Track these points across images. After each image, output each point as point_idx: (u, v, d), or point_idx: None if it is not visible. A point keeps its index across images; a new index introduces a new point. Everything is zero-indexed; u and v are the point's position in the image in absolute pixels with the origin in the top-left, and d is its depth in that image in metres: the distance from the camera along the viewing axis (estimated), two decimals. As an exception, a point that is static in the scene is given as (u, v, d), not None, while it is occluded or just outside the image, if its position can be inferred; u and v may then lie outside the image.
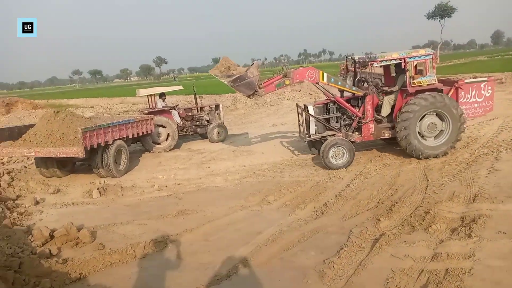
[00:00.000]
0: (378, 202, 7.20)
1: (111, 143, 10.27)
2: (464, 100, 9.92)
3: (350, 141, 9.85)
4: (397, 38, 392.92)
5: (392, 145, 11.36)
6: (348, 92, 10.07)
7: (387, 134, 10.04)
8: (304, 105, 10.38)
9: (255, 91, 9.51)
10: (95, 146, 9.66)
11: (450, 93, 9.79)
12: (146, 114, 13.23)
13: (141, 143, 13.43)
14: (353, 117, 10.09)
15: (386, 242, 5.55)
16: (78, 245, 6.12)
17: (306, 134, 10.13)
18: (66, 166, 11.02)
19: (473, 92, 9.92)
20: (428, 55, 9.57)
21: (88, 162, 10.53)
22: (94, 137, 9.58)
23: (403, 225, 6.14)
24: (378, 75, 25.42)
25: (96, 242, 6.23)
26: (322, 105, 10.28)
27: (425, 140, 9.66)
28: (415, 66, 9.64)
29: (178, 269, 5.39)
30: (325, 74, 9.61)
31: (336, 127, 10.12)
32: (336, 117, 10.22)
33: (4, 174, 10.22)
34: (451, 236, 5.57)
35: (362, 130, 9.98)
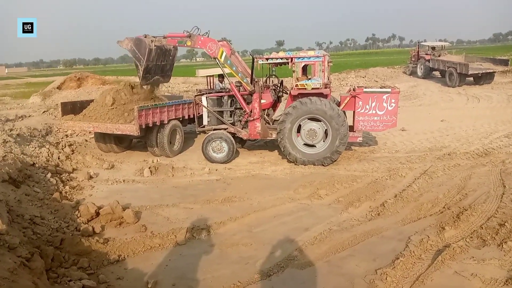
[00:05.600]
0: (444, 207, 6.44)
1: (166, 122, 10.27)
2: (362, 110, 9.07)
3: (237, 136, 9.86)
4: (476, 24, 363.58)
5: (464, 144, 10.31)
6: (241, 82, 9.65)
7: (274, 136, 9.56)
8: (198, 94, 10.47)
9: (151, 41, 9.85)
10: (151, 125, 9.71)
11: (346, 102, 9.14)
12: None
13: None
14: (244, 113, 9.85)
15: (450, 256, 4.87)
16: (122, 225, 6.08)
17: (200, 124, 10.41)
18: (123, 142, 11.27)
19: (373, 104, 8.98)
20: (317, 57, 8.96)
21: (144, 140, 10.66)
22: (149, 116, 9.62)
23: (471, 237, 5.38)
24: (453, 63, 23.54)
25: (139, 223, 6.16)
26: (216, 97, 10.12)
27: (309, 146, 9.16)
28: (303, 68, 9.31)
29: (217, 261, 5.13)
30: (224, 53, 9.38)
31: (229, 121, 9.99)
32: (230, 111, 10.07)
33: (66, 146, 10.65)
34: (531, 257, 4.75)
35: (249, 127, 9.65)
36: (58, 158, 9.34)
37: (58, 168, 8.71)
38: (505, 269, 4.56)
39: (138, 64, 10.22)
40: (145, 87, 10.89)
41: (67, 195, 7.34)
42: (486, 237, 5.32)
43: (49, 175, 7.94)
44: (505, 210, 6.13)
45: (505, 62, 23.87)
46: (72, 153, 10.32)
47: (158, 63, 10.81)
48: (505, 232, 5.36)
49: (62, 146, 10.69)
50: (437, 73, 27.27)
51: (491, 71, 23.07)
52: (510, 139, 10.51)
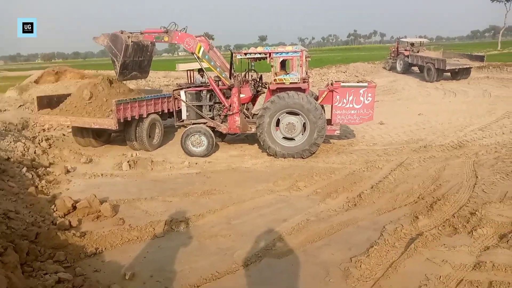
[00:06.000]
0: (418, 198, 6.60)
1: (145, 116, 10.18)
2: (340, 104, 9.31)
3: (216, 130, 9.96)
4: (455, 21, 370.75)
5: (440, 137, 10.55)
6: (220, 76, 9.75)
7: (253, 129, 9.71)
8: (176, 89, 10.61)
9: (127, 37, 9.89)
10: (129, 119, 9.61)
11: (324, 96, 9.34)
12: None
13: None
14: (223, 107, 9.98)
15: (422, 244, 5.01)
16: (99, 218, 6.02)
17: (179, 118, 10.43)
18: (102, 136, 11.11)
19: (350, 98, 9.21)
20: (295, 52, 9.16)
21: (123, 134, 10.55)
22: (128, 110, 9.51)
23: (444, 225, 5.54)
24: (431, 59, 23.95)
25: (117, 216, 6.11)
26: (195, 91, 10.22)
27: (288, 140, 9.31)
28: (281, 63, 9.43)
29: (195, 253, 5.15)
30: (202, 48, 9.43)
31: (209, 116, 10.07)
32: (209, 105, 10.18)
33: (42, 141, 10.43)
34: (498, 243, 4.93)
35: (228, 121, 9.78)
36: (34, 153, 9.12)
37: (34, 162, 8.50)
38: (474, 255, 4.72)
39: (115, 60, 10.18)
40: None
41: (43, 190, 7.20)
42: (457, 225, 5.49)
43: (24, 169, 7.76)
44: (476, 199, 6.32)
45: (481, 58, 24.40)
46: (49, 148, 10.11)
47: (136, 59, 10.77)
48: (475, 221, 5.53)
49: (39, 140, 10.46)
50: (415, 69, 27.69)
51: (468, 66, 23.55)
52: (484, 132, 10.80)
